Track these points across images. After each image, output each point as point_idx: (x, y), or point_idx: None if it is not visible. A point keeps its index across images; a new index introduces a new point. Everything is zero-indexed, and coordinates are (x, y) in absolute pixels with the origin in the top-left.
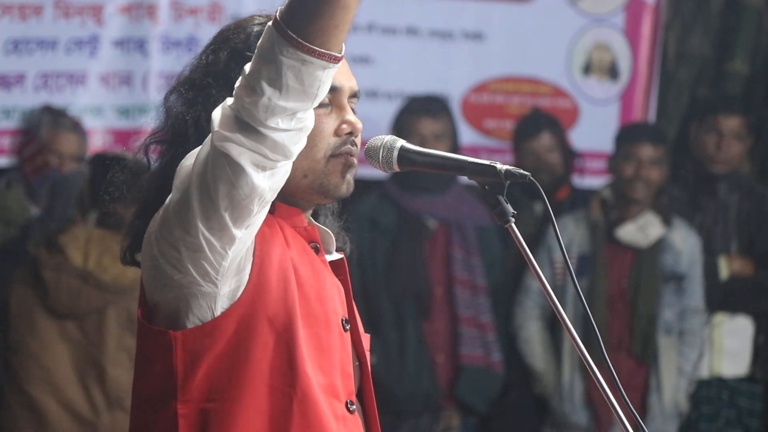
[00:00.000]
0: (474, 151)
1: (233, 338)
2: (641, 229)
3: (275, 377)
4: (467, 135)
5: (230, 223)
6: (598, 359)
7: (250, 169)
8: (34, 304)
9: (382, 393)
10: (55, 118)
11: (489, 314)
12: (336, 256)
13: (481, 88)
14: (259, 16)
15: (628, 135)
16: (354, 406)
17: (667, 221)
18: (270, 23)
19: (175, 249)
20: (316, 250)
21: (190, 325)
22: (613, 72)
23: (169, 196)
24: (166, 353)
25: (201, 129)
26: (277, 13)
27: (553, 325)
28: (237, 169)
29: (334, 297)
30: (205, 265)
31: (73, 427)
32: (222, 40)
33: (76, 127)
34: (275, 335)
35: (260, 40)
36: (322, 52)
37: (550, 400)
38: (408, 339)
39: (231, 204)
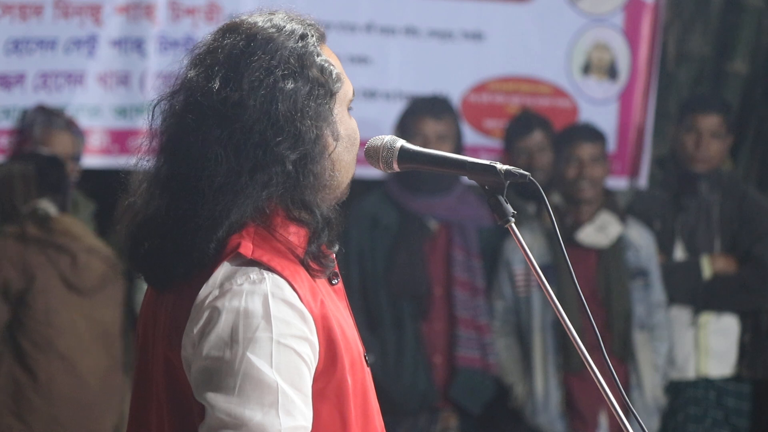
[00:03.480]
0: (474, 150)
1: None
2: (600, 229)
3: None
4: (467, 135)
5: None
6: (580, 363)
7: None
8: None
9: (378, 393)
10: (48, 117)
11: (487, 316)
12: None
13: (480, 88)
14: (284, 14)
15: (566, 137)
16: None
17: (622, 219)
18: None
19: None
20: (335, 276)
21: None
22: (612, 72)
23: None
24: None
25: (322, 136)
26: None
27: (522, 339)
28: None
29: (355, 335)
30: None
31: None
32: (281, 61)
33: (70, 127)
34: (329, 405)
35: None
36: None
37: (522, 413)
38: (406, 339)
39: None
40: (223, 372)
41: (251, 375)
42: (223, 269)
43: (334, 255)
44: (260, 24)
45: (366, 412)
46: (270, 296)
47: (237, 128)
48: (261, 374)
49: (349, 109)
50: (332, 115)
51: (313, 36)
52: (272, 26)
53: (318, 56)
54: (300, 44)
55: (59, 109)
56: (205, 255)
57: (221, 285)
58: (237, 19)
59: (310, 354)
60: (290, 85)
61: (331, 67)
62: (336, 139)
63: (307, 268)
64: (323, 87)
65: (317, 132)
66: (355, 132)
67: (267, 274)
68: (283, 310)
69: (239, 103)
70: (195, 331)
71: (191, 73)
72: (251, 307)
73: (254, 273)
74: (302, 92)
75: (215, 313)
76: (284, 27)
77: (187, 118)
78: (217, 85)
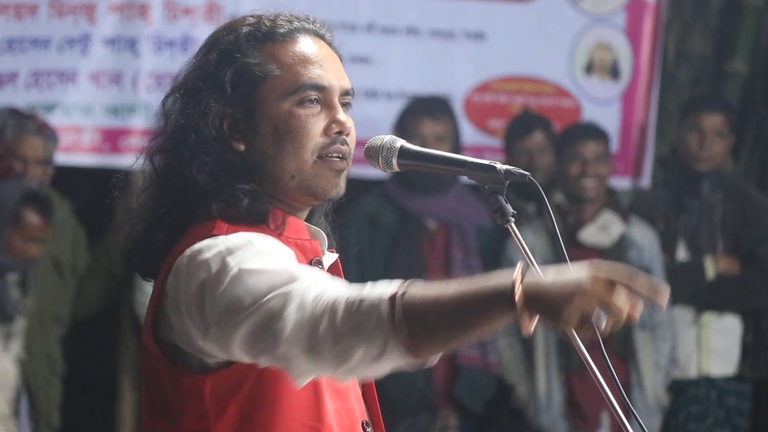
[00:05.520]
0: (477, 150)
1: (264, 377)
2: (603, 229)
3: (304, 414)
4: (471, 135)
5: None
6: (582, 363)
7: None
8: None
9: (377, 392)
10: (20, 121)
11: None
12: (331, 256)
13: (483, 87)
14: (252, 16)
15: (570, 136)
16: (369, 428)
17: (625, 218)
18: (386, 311)
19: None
20: (318, 264)
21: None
22: (614, 72)
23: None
24: (195, 397)
25: (200, 134)
26: (401, 311)
27: (525, 339)
28: (286, 370)
29: None
30: None
31: None
32: (212, 42)
33: (42, 130)
34: None
35: (368, 319)
36: (420, 358)
37: (525, 413)
38: None
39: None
40: (225, 298)
41: (246, 280)
42: (199, 238)
43: (324, 248)
44: (223, 24)
45: (339, 391)
46: (251, 236)
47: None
48: (257, 269)
49: (312, 100)
50: (245, 110)
51: (244, 36)
52: (221, 28)
53: (231, 55)
54: (219, 42)
55: (31, 112)
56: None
57: (200, 242)
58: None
59: None
60: (182, 81)
61: (249, 63)
62: (256, 132)
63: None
64: (220, 87)
65: (193, 135)
66: (291, 126)
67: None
68: (269, 242)
69: (164, 106)
70: (177, 280)
71: None
72: (232, 241)
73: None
74: (190, 87)
75: (197, 257)
76: (225, 29)
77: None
78: None
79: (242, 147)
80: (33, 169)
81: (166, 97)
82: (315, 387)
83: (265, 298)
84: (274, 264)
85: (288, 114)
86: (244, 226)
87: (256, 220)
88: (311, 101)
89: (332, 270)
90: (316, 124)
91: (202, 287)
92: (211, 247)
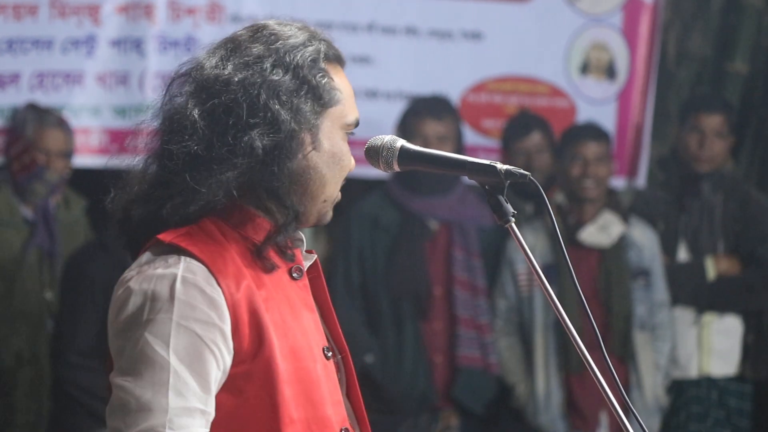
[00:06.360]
0: (472, 150)
1: (225, 401)
2: (602, 229)
3: (260, 428)
4: (466, 135)
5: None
6: (581, 363)
7: None
8: None
9: (378, 392)
10: (40, 115)
11: (488, 316)
12: (310, 257)
13: (479, 87)
14: (302, 27)
15: (571, 136)
16: None
17: (625, 218)
18: None
19: None
20: (298, 271)
21: None
22: (610, 72)
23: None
24: None
25: (293, 136)
26: None
27: (525, 338)
28: None
29: (311, 326)
30: None
31: None
32: (292, 46)
33: (62, 124)
34: (256, 387)
35: None
36: None
37: (524, 413)
38: (406, 339)
39: None
40: (126, 352)
41: (146, 354)
42: (147, 255)
43: (303, 252)
44: (275, 24)
45: (312, 400)
46: (179, 280)
47: (218, 104)
48: (155, 354)
49: (349, 134)
50: (316, 122)
51: (323, 52)
52: (286, 29)
53: (318, 65)
54: (303, 49)
55: (50, 107)
56: (167, 227)
57: (141, 266)
58: (266, 20)
59: (217, 340)
60: (277, 76)
61: (330, 81)
62: (316, 148)
63: (261, 258)
64: (313, 91)
65: (294, 127)
66: (343, 155)
67: (183, 259)
68: (191, 294)
69: (226, 81)
70: (112, 307)
71: (201, 56)
72: (158, 290)
73: (172, 258)
74: (288, 86)
75: (129, 292)
76: (297, 34)
77: (184, 93)
78: (211, 63)
79: (300, 156)
80: (55, 161)
81: (206, 106)
82: (271, 399)
83: (131, 390)
84: (170, 360)
85: (342, 143)
86: (207, 245)
87: (267, 249)
88: (348, 133)
89: (312, 270)
90: (351, 159)
91: (114, 319)
92: (143, 280)
